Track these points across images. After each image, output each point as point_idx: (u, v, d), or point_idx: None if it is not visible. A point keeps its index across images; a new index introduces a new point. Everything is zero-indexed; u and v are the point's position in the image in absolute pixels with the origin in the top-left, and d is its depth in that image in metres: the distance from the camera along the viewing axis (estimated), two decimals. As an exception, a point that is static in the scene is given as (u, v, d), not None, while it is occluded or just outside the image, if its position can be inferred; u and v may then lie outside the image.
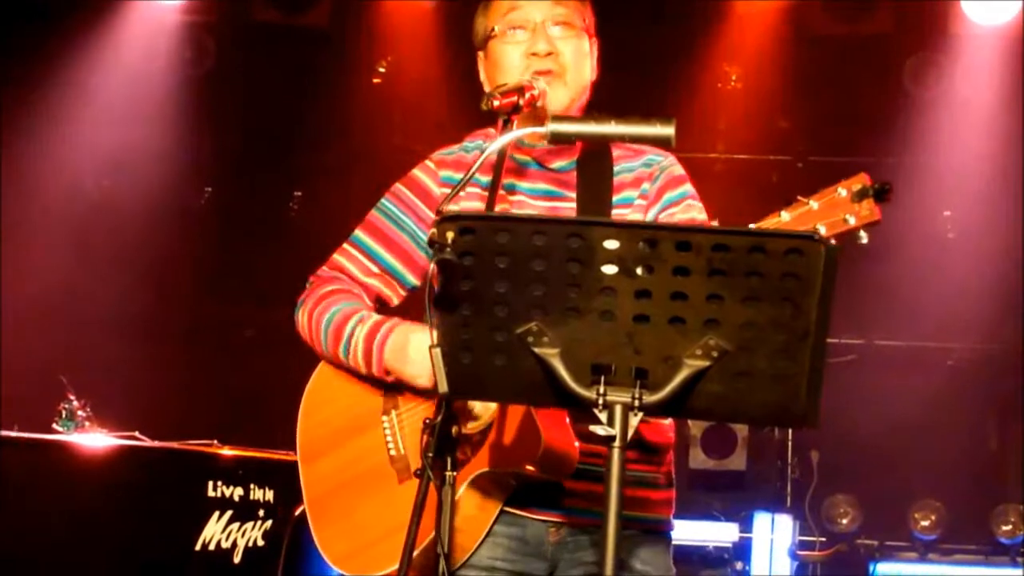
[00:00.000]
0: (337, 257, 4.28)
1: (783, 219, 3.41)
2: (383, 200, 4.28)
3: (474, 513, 3.83)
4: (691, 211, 4.08)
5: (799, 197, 3.45)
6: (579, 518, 3.89)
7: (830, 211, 3.39)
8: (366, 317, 4.07)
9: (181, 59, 10.15)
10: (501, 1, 4.17)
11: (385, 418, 4.06)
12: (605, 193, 4.07)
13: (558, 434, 3.71)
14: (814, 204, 3.41)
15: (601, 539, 3.03)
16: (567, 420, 3.73)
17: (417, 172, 4.28)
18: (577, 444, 3.74)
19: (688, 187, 4.13)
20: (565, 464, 3.74)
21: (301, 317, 4.23)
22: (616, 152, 4.16)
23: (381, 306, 4.26)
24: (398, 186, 4.28)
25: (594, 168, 4.12)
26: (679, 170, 4.15)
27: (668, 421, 4.07)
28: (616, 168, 4.12)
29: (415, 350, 3.92)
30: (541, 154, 4.15)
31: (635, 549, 3.94)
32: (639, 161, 4.14)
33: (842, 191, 3.40)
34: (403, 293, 4.26)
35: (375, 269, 4.22)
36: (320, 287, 4.23)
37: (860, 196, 3.37)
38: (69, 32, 9.87)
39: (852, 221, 3.36)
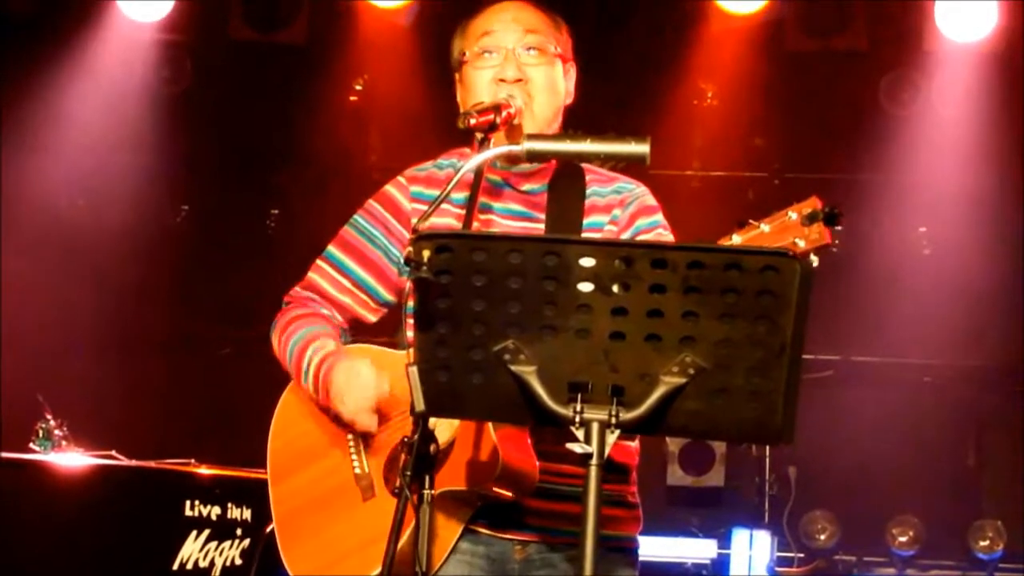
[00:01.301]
0: (311, 275, 4.30)
1: (734, 241, 3.42)
2: (355, 216, 4.30)
3: (439, 532, 3.83)
4: (663, 240, 4.08)
5: (750, 220, 3.47)
6: (545, 536, 3.90)
7: (780, 234, 3.40)
8: (320, 348, 4.10)
9: (158, 77, 10.14)
10: (476, 25, 4.19)
11: (350, 436, 4.07)
12: (575, 216, 4.09)
13: (517, 453, 3.71)
14: (765, 227, 3.43)
15: (580, 557, 3.04)
16: (528, 439, 3.73)
17: (389, 188, 4.30)
18: (537, 463, 3.75)
19: (660, 217, 4.15)
20: (524, 483, 3.75)
21: (273, 339, 4.27)
22: (588, 176, 4.17)
23: (356, 325, 4.28)
24: (370, 202, 4.30)
25: (565, 191, 4.14)
26: (651, 200, 4.18)
27: (635, 443, 4.08)
28: (588, 191, 4.14)
29: (336, 380, 3.97)
30: (512, 175, 4.16)
31: (604, 567, 3.94)
32: (610, 187, 4.16)
33: (792, 215, 3.41)
34: (377, 309, 4.27)
35: (348, 284, 4.23)
36: (290, 310, 4.27)
37: (810, 220, 3.38)
38: (45, 50, 9.85)
39: (802, 244, 3.37)
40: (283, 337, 4.21)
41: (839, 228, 3.39)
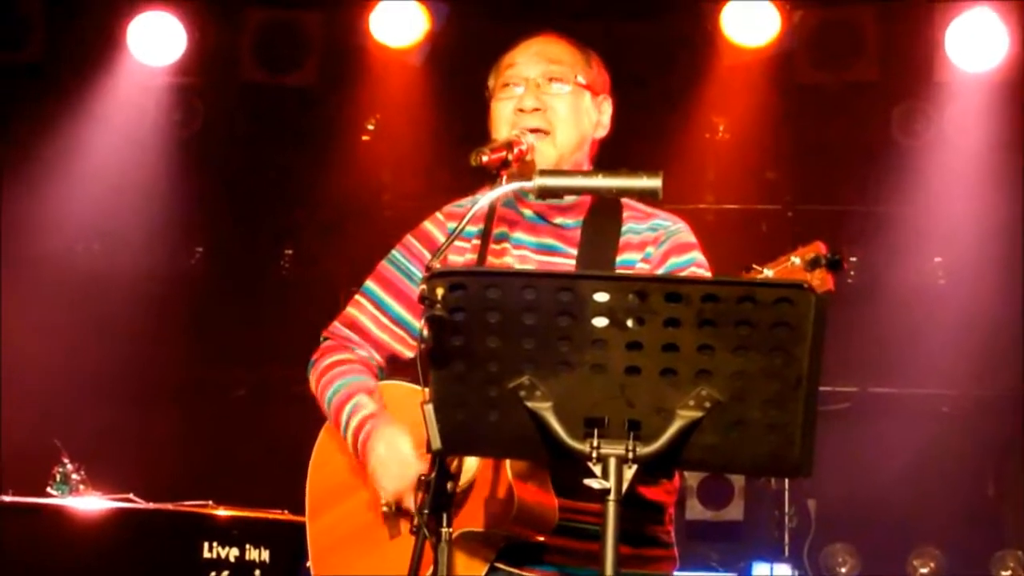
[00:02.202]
0: (350, 311, 4.31)
1: None
2: (393, 251, 4.31)
3: (462, 571, 3.82)
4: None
5: (754, 265, 3.46)
6: (572, 575, 3.88)
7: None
8: (357, 408, 4.10)
9: (169, 120, 10.16)
10: (504, 59, 4.23)
11: (381, 474, 4.07)
12: (608, 252, 4.07)
13: (534, 492, 3.70)
14: (768, 272, 3.43)
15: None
16: (548, 477, 3.72)
17: (426, 224, 4.31)
18: (556, 502, 3.73)
19: (696, 254, 4.11)
20: (543, 522, 3.74)
21: (311, 381, 4.29)
22: (626, 213, 4.15)
23: (393, 361, 4.28)
24: (408, 237, 4.31)
25: (600, 227, 4.12)
26: (688, 237, 4.14)
27: (673, 481, 4.07)
28: (623, 228, 4.12)
29: (376, 459, 3.96)
30: (546, 209, 4.16)
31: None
32: (646, 224, 4.13)
33: (796, 259, 3.41)
34: (413, 345, 4.26)
35: (386, 321, 4.25)
36: (329, 353, 4.28)
37: (813, 265, 3.38)
38: (56, 95, 9.88)
39: None
40: (321, 383, 4.23)
41: (851, 267, 3.39)
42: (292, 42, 9.96)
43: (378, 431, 4.00)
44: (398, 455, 3.92)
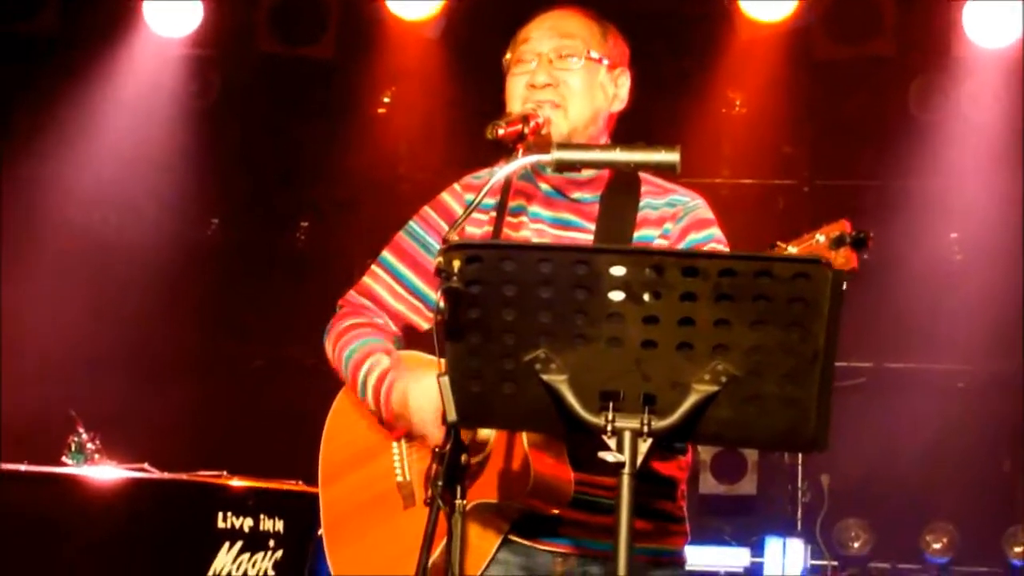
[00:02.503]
0: (366, 280, 4.31)
1: None
2: (411, 223, 4.31)
3: (475, 542, 3.83)
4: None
5: (778, 243, 3.45)
6: (586, 548, 3.88)
7: None
8: (376, 363, 4.10)
9: (186, 92, 10.16)
10: (520, 34, 4.22)
11: (395, 444, 4.08)
12: (626, 227, 4.06)
13: (550, 466, 3.70)
14: (792, 250, 3.42)
15: (613, 567, 3.03)
16: (564, 451, 3.72)
17: (444, 195, 4.31)
18: (572, 475, 3.74)
19: (714, 231, 4.10)
20: (559, 495, 3.74)
21: (327, 346, 4.29)
22: (644, 188, 4.14)
23: (409, 332, 4.28)
24: (426, 209, 4.31)
25: (618, 202, 4.11)
26: (706, 212, 4.13)
27: (685, 456, 4.07)
28: (641, 204, 4.11)
29: (415, 400, 3.94)
30: (563, 183, 4.16)
31: (647, 580, 3.93)
32: (664, 200, 4.11)
33: (820, 237, 3.40)
34: (429, 316, 4.27)
35: (403, 292, 4.25)
36: (345, 318, 4.27)
37: (837, 244, 3.37)
38: (73, 66, 9.89)
39: None
40: (338, 346, 4.22)
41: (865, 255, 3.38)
42: (309, 14, 9.95)
43: (402, 381, 4.00)
44: (435, 400, 3.81)
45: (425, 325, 4.26)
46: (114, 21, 9.81)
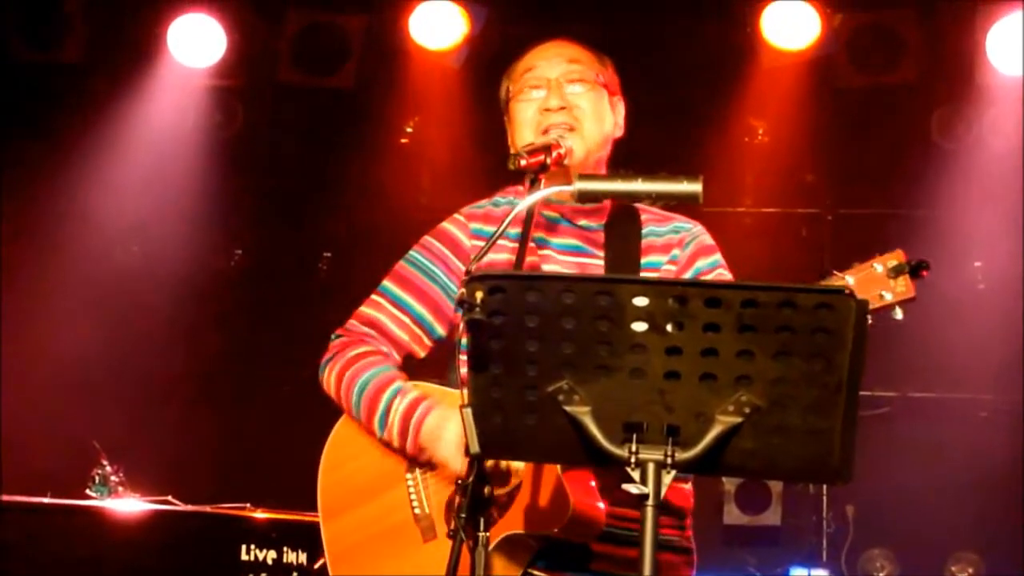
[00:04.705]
0: (366, 310, 4.31)
1: None
2: (412, 252, 4.32)
3: (500, 574, 3.81)
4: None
5: (833, 271, 3.45)
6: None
7: (866, 287, 3.40)
8: (403, 391, 4.08)
9: (209, 122, 10.19)
10: (521, 64, 4.24)
11: (409, 476, 4.06)
12: (633, 254, 4.10)
13: (585, 498, 3.69)
14: (850, 279, 3.42)
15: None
16: (592, 482, 3.71)
17: (447, 225, 4.32)
18: (602, 507, 3.72)
19: (719, 257, 4.19)
20: (592, 528, 3.74)
21: (329, 376, 4.25)
22: (644, 216, 4.18)
23: (407, 360, 4.28)
24: (427, 238, 4.32)
25: (623, 229, 4.15)
26: (709, 240, 4.22)
27: (688, 485, 4.06)
28: (644, 231, 4.14)
29: (451, 433, 3.92)
30: (569, 211, 4.18)
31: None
32: (667, 227, 4.17)
33: (878, 267, 3.40)
34: (429, 345, 4.28)
35: (406, 320, 4.25)
36: (351, 347, 4.25)
37: (896, 272, 3.37)
38: (97, 97, 9.93)
39: (889, 297, 3.37)
40: (348, 374, 4.20)
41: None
42: (331, 44, 9.97)
43: (438, 411, 3.99)
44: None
45: (422, 353, 4.29)
46: (139, 51, 9.85)
